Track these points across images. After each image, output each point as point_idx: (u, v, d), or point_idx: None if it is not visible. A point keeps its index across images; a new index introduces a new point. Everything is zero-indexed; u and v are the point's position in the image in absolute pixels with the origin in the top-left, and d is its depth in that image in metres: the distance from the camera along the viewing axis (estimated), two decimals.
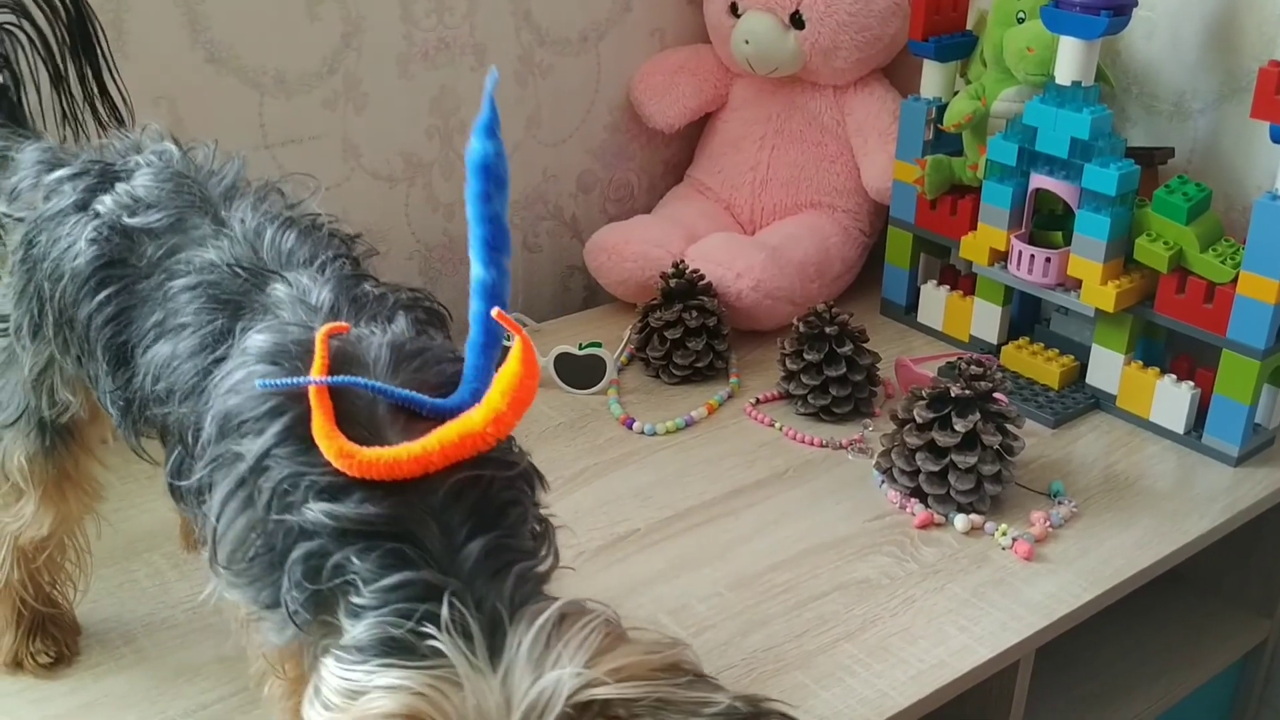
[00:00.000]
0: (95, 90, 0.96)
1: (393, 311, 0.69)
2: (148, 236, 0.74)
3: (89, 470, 0.86)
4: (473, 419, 0.59)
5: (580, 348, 1.29)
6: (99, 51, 0.95)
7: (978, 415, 1.08)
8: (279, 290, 0.68)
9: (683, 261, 1.34)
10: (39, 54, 0.94)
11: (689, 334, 1.30)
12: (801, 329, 1.26)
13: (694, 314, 1.30)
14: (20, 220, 0.80)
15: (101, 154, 0.82)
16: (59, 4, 0.92)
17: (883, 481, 1.14)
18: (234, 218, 0.74)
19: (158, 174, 0.77)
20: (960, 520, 1.08)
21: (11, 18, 0.91)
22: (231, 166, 0.80)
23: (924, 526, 1.09)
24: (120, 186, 0.76)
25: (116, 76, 0.97)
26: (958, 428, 1.08)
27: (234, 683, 0.87)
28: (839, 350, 1.24)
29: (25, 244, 0.78)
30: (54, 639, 0.89)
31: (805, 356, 1.25)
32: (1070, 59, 1.20)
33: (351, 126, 1.34)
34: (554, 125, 1.51)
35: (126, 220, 0.74)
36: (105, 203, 0.76)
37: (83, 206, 0.76)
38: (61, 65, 0.94)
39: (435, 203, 1.43)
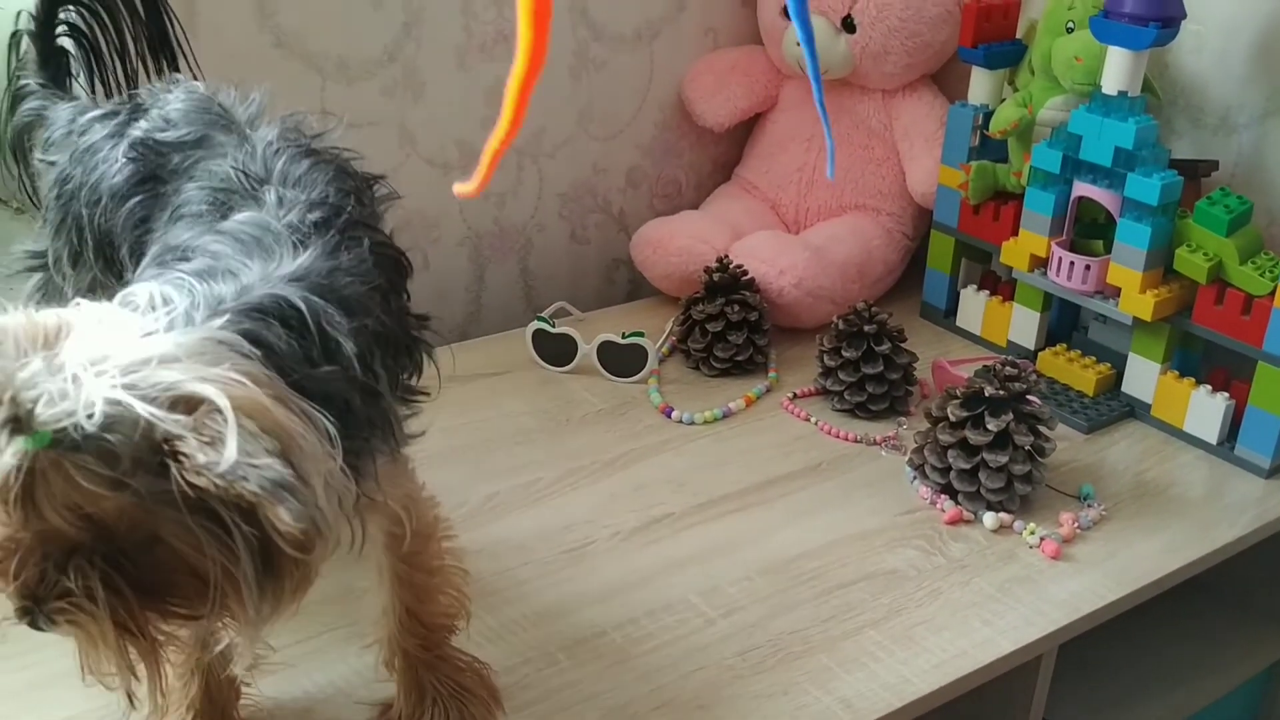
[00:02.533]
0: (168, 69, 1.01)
1: (342, 238, 0.71)
2: (176, 150, 0.78)
3: None
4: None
5: (623, 337, 1.32)
6: (174, 44, 1.00)
7: (1011, 415, 1.10)
8: (269, 196, 0.72)
9: (727, 257, 1.37)
10: (109, 37, 0.98)
11: (730, 328, 1.33)
12: (841, 326, 1.28)
13: (736, 308, 1.33)
14: (53, 163, 0.85)
15: (132, 99, 0.86)
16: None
17: (914, 477, 1.16)
18: (258, 138, 0.78)
19: (187, 100, 0.82)
20: (989, 518, 1.10)
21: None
22: (256, 99, 0.83)
23: (953, 523, 1.11)
24: (154, 112, 0.81)
25: (194, 65, 1.02)
26: (990, 427, 1.10)
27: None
28: (877, 349, 1.26)
29: (60, 182, 0.83)
30: None
31: (843, 353, 1.27)
32: (1117, 69, 1.21)
33: (408, 114, 1.37)
34: (605, 120, 1.54)
35: (158, 136, 0.79)
36: (140, 126, 0.80)
37: (116, 135, 0.81)
38: (134, 51, 0.99)
39: (487, 192, 1.46)
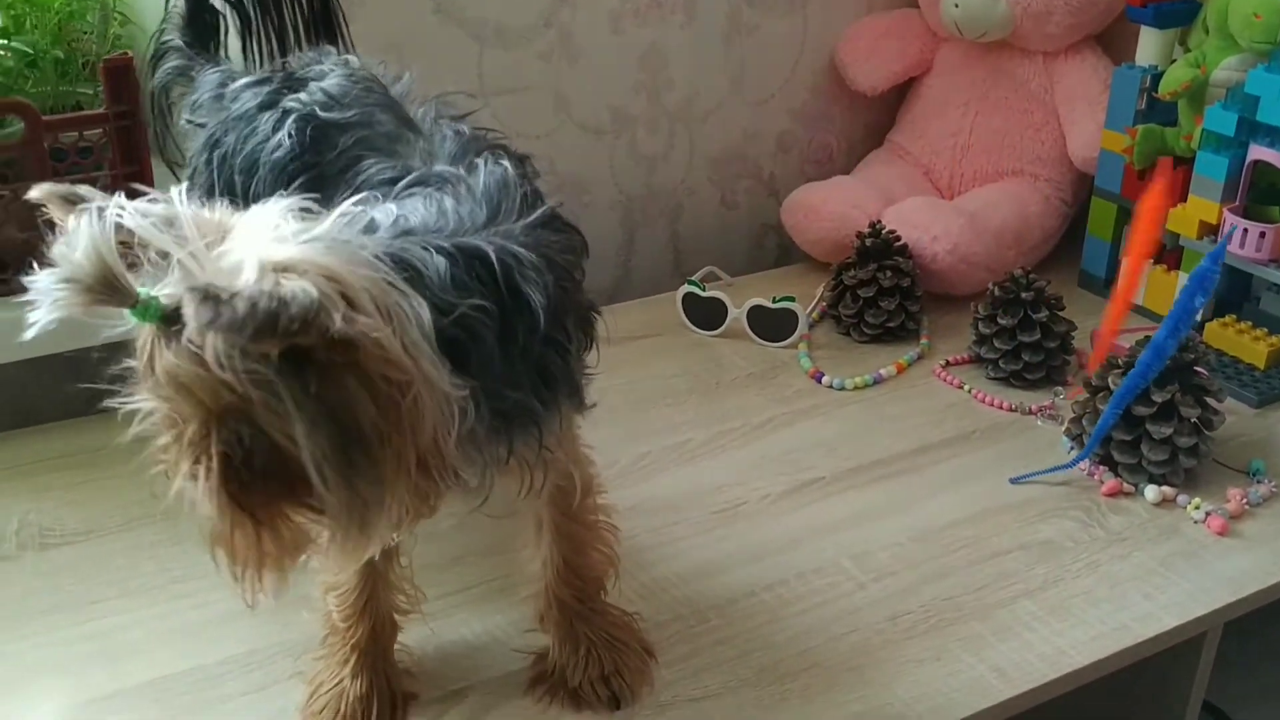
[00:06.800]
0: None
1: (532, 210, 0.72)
2: (341, 131, 0.80)
3: None
4: None
5: (773, 301, 1.31)
6: (336, 18, 1.02)
7: (1177, 386, 1.06)
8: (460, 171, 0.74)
9: (880, 222, 1.35)
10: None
11: (882, 294, 1.31)
12: (997, 293, 1.25)
13: (888, 274, 1.32)
14: (201, 125, 0.88)
15: (283, 67, 0.88)
16: None
17: (1072, 448, 1.14)
18: (420, 116, 0.80)
19: (346, 76, 0.83)
20: (1151, 491, 1.07)
21: None
22: (405, 79, 0.85)
23: (1112, 495, 1.08)
24: (313, 85, 0.82)
25: (349, 42, 1.04)
26: (1155, 398, 1.06)
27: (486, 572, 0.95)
28: (1034, 316, 1.23)
29: (209, 146, 0.85)
30: None
31: (999, 321, 1.24)
32: None
33: (563, 79, 1.39)
34: (757, 85, 1.53)
35: (321, 114, 0.80)
36: (300, 99, 0.81)
37: (269, 106, 0.82)
38: (290, 19, 1.01)
39: (638, 156, 1.47)
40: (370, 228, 0.64)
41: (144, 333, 0.57)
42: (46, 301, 0.55)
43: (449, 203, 0.69)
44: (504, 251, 0.67)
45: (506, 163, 0.73)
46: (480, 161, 0.73)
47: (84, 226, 0.55)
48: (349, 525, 0.61)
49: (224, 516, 0.60)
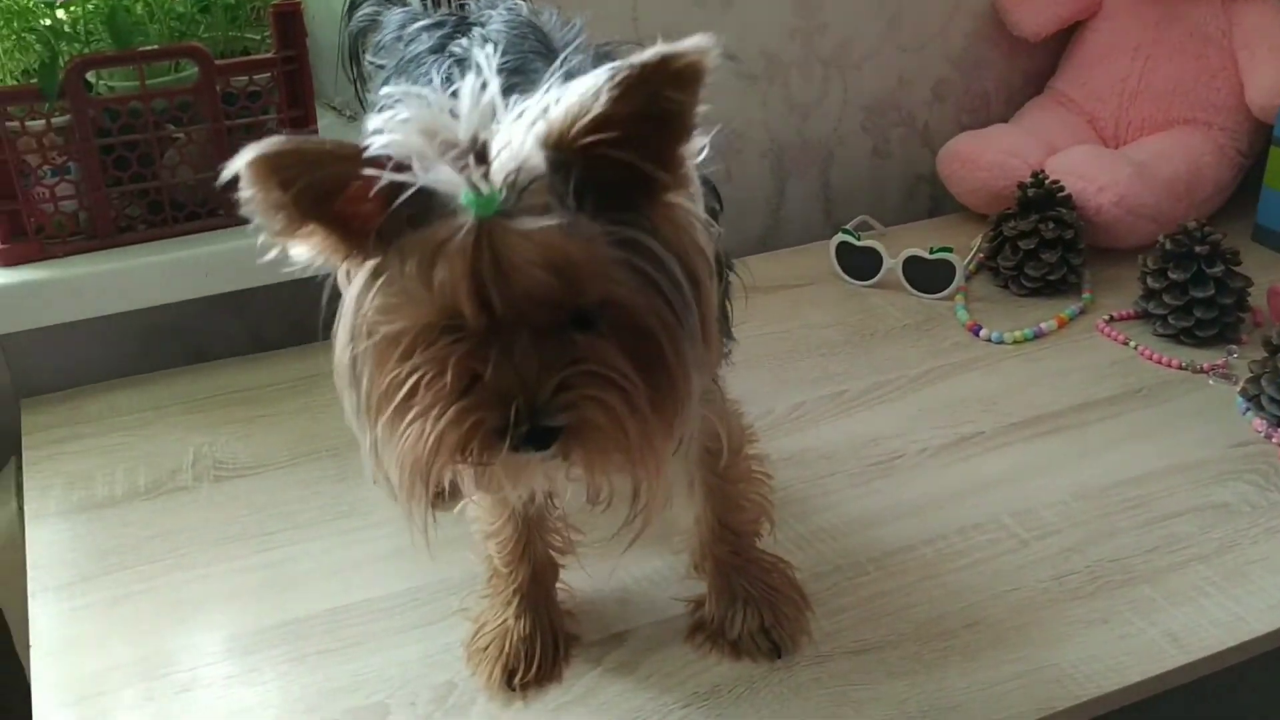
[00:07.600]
0: None
1: None
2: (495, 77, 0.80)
3: None
4: None
5: (930, 252, 1.28)
6: None
7: None
8: None
9: (1043, 172, 1.31)
10: None
11: (1044, 245, 1.27)
12: (1168, 246, 1.21)
13: (1050, 225, 1.27)
14: (382, 67, 0.89)
15: (462, 10, 0.88)
16: None
17: (1248, 409, 1.09)
18: (575, 67, 0.78)
19: (509, 22, 0.82)
20: None
21: None
22: (575, 24, 0.84)
23: None
24: (476, 31, 0.82)
25: None
26: None
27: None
28: (1208, 271, 1.18)
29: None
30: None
31: (1169, 275, 1.20)
32: None
33: (717, 23, 1.37)
34: (914, 30, 1.49)
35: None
36: (462, 44, 0.82)
37: (439, 49, 0.83)
38: None
39: (791, 103, 1.45)
40: None
41: (463, 243, 0.54)
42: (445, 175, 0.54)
43: None
44: None
45: None
46: None
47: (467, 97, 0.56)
48: (691, 398, 0.60)
49: (619, 408, 0.58)
